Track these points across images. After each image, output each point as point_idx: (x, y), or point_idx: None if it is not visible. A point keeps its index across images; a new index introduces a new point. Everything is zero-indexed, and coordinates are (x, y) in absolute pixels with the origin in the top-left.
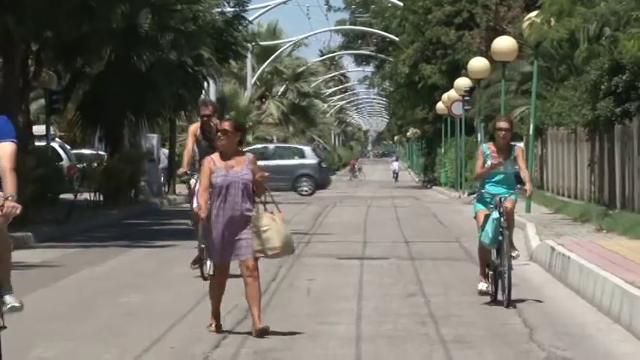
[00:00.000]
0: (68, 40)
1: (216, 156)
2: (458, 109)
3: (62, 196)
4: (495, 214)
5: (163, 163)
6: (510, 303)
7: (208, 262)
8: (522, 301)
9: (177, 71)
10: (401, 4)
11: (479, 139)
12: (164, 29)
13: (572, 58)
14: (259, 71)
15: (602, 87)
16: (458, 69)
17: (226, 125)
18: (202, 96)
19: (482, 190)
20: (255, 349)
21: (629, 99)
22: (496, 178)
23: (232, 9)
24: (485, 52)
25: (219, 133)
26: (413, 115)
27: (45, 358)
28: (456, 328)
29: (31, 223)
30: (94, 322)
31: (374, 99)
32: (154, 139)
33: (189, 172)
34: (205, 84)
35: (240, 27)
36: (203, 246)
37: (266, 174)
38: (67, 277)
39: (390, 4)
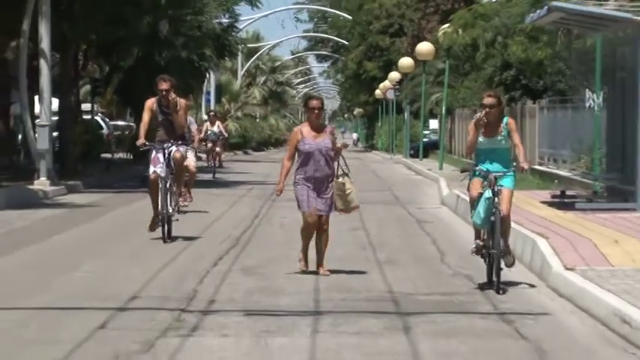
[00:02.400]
0: (107, 41)
1: (304, 128)
2: (390, 95)
3: (102, 155)
4: (488, 194)
5: None
6: (500, 288)
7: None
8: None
9: (187, 65)
10: (350, 17)
11: (405, 117)
12: (178, 34)
13: (474, 58)
14: (246, 66)
15: (495, 79)
16: (391, 65)
17: (314, 104)
18: (205, 83)
19: (476, 168)
20: (242, 266)
21: (515, 88)
22: (489, 155)
23: (227, 20)
24: (411, 54)
25: (315, 111)
26: (358, 98)
27: (90, 271)
28: (387, 253)
29: (80, 175)
30: (126, 247)
31: (330, 87)
32: None
33: (147, 143)
34: (207, 75)
35: (232, 33)
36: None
37: (346, 143)
38: (106, 215)
39: (342, 18)
